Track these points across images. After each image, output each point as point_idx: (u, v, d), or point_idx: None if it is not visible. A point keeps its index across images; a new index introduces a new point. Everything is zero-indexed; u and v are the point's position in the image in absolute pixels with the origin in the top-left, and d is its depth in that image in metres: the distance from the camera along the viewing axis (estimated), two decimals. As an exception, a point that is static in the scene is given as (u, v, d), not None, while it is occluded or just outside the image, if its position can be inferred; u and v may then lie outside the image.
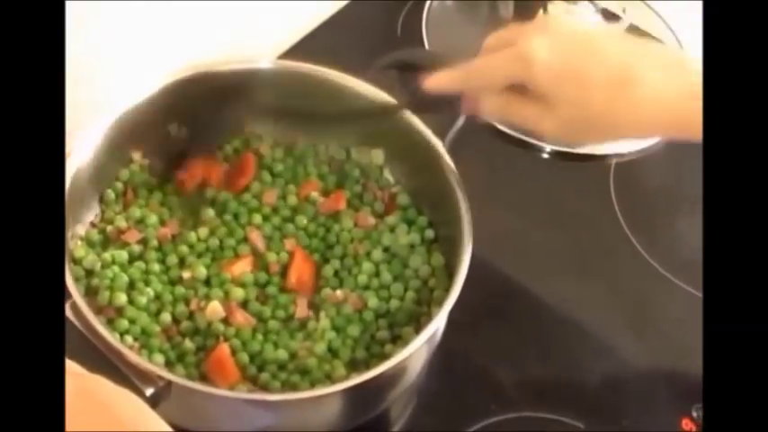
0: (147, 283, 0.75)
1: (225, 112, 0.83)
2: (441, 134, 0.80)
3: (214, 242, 0.79)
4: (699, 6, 0.61)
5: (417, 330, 0.73)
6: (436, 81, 0.74)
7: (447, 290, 0.72)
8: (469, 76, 0.73)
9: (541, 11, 1.09)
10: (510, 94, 0.71)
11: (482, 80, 0.73)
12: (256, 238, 0.79)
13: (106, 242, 0.77)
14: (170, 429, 0.53)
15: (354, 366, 0.74)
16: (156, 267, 0.76)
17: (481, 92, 0.73)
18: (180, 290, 0.76)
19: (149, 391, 0.64)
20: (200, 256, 0.78)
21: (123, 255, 0.76)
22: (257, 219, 0.80)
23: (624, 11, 1.13)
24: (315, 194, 0.82)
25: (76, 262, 0.75)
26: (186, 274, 0.76)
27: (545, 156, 0.99)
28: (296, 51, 1.01)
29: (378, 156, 0.84)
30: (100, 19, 0.83)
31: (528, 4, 1.11)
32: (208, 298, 0.75)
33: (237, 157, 0.84)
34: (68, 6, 0.57)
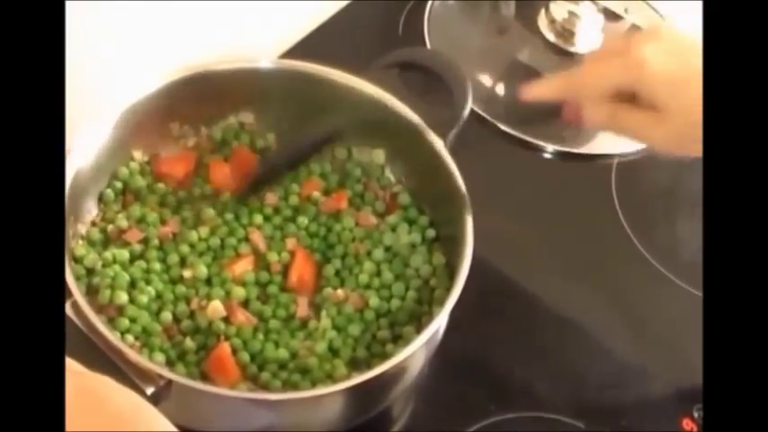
0: (147, 282, 0.75)
1: (316, 127, 0.82)
2: (442, 134, 0.80)
3: (215, 241, 0.79)
4: (701, 6, 0.61)
5: (418, 330, 0.73)
6: (536, 89, 0.72)
7: (448, 289, 0.72)
8: (575, 83, 0.72)
9: (543, 11, 1.09)
10: (616, 102, 0.70)
11: (589, 87, 0.71)
12: (257, 238, 0.79)
13: (107, 241, 0.77)
14: (173, 428, 0.53)
15: (355, 366, 0.74)
16: (157, 266, 0.77)
17: (585, 100, 0.71)
18: (181, 289, 0.76)
19: (150, 390, 0.64)
20: (201, 255, 0.78)
21: (124, 254, 0.76)
22: (258, 219, 0.80)
23: (626, 11, 1.12)
24: (316, 194, 0.82)
25: (77, 261, 0.75)
26: (187, 273, 0.76)
27: (547, 155, 0.99)
28: (297, 50, 1.01)
29: (379, 155, 0.84)
30: (100, 19, 0.83)
31: (530, 2, 1.11)
32: (209, 297, 0.75)
33: (239, 157, 0.84)
34: (68, 6, 0.57)
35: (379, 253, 0.79)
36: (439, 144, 0.80)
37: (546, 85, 0.73)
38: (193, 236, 0.78)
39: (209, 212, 0.80)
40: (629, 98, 0.69)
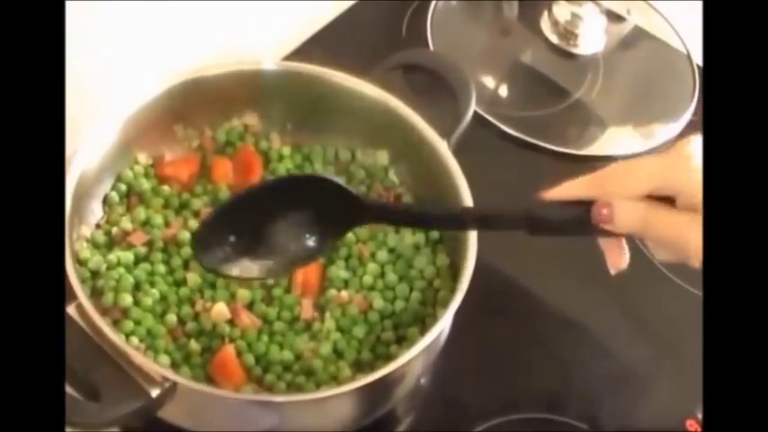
0: (152, 285, 0.75)
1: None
2: (446, 135, 0.80)
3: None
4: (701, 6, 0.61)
5: (422, 331, 0.73)
6: (565, 188, 0.67)
7: (452, 291, 0.72)
8: (608, 181, 0.65)
9: (546, 12, 1.09)
10: (650, 203, 0.64)
11: (623, 186, 0.65)
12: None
13: (111, 243, 0.77)
14: None
15: (360, 367, 0.74)
16: (162, 269, 0.77)
17: (617, 200, 0.65)
18: (185, 291, 0.76)
19: (155, 393, 0.64)
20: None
21: (129, 256, 0.76)
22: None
23: (629, 12, 1.13)
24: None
25: (82, 263, 0.75)
26: (192, 276, 0.76)
27: (550, 157, 0.99)
28: (300, 53, 1.01)
29: (382, 157, 0.85)
30: (100, 20, 0.83)
31: (533, 4, 1.11)
32: (213, 299, 0.75)
33: (243, 156, 0.84)
34: (68, 6, 0.57)
35: (382, 254, 0.79)
36: (442, 145, 0.80)
37: (577, 183, 0.67)
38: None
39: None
40: (664, 200, 0.63)
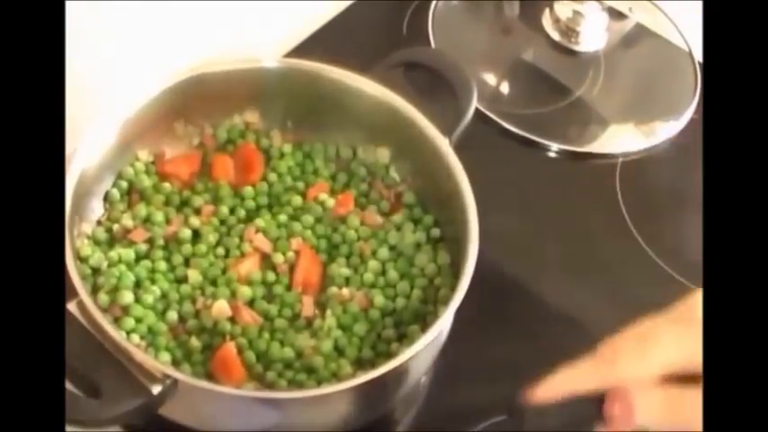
0: (153, 282, 0.75)
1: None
2: (447, 133, 0.80)
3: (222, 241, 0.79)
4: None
5: (423, 329, 0.73)
6: (562, 381, 0.55)
7: (453, 288, 0.72)
8: (614, 369, 0.54)
9: (547, 10, 1.09)
10: (669, 385, 0.53)
11: (633, 373, 0.54)
12: (261, 238, 0.79)
13: (112, 241, 0.77)
14: None
15: (360, 365, 0.74)
16: (163, 266, 0.77)
17: (634, 388, 0.53)
18: (186, 288, 0.76)
19: (156, 390, 0.64)
20: (206, 254, 0.78)
21: (130, 253, 0.76)
22: (261, 222, 0.80)
23: (631, 10, 1.13)
24: (324, 196, 0.82)
25: (83, 260, 0.75)
26: (192, 273, 0.76)
27: (551, 155, 0.99)
28: (301, 50, 1.01)
29: (384, 154, 0.84)
30: (100, 19, 0.83)
31: (534, 2, 1.11)
32: (214, 297, 0.75)
33: (244, 153, 0.84)
34: (68, 6, 0.57)
35: (384, 252, 0.79)
36: (444, 143, 0.80)
37: (571, 377, 0.55)
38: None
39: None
40: (682, 378, 0.53)
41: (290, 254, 0.79)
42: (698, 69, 1.07)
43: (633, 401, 0.53)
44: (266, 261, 0.79)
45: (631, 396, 0.53)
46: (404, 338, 0.75)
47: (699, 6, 0.67)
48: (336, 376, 0.72)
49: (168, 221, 0.79)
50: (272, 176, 0.83)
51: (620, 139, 1.02)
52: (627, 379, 0.53)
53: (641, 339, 0.55)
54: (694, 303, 0.54)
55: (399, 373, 0.73)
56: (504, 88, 1.06)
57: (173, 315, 0.74)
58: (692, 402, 0.52)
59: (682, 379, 0.53)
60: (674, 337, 0.54)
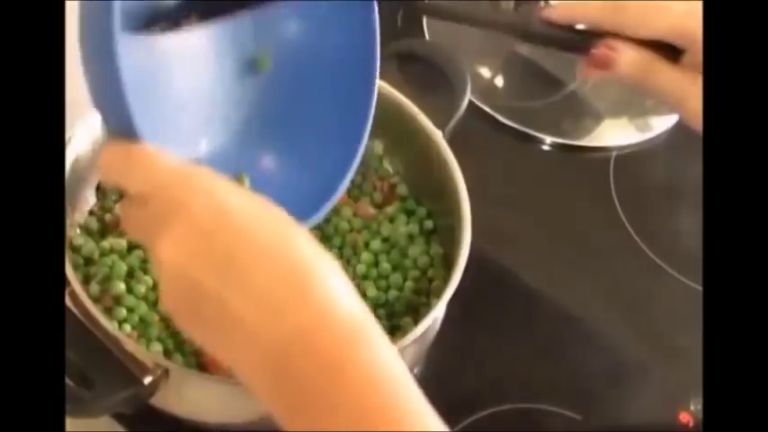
0: (145, 272, 0.75)
1: None
2: (441, 125, 0.80)
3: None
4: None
5: (416, 321, 0.73)
6: (572, 9, 0.65)
7: (446, 280, 0.72)
8: (624, 15, 0.63)
9: (542, 3, 1.09)
10: (655, 52, 0.63)
11: (638, 24, 0.63)
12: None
13: (105, 230, 0.77)
14: None
15: (353, 356, 0.74)
16: (155, 256, 0.76)
17: (624, 40, 0.63)
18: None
19: (147, 380, 0.64)
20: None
21: (122, 243, 0.76)
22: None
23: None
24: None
25: (75, 250, 0.75)
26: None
27: (545, 147, 0.99)
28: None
29: (377, 146, 0.84)
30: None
31: (529, -6, 1.11)
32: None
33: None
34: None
35: (376, 244, 0.79)
36: (437, 135, 0.79)
37: (582, 8, 0.64)
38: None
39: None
40: (669, 52, 0.63)
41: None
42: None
43: (620, 55, 0.63)
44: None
45: (620, 51, 0.63)
46: (396, 330, 0.75)
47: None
48: (328, 367, 0.72)
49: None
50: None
51: (614, 133, 1.02)
52: (625, 28, 0.63)
53: (652, 6, 0.63)
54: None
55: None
56: (499, 81, 1.06)
57: (165, 305, 0.74)
58: (667, 72, 0.62)
59: (663, 48, 0.62)
60: (680, 14, 0.61)
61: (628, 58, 0.64)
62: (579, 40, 0.66)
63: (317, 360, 0.48)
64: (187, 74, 0.68)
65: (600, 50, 0.64)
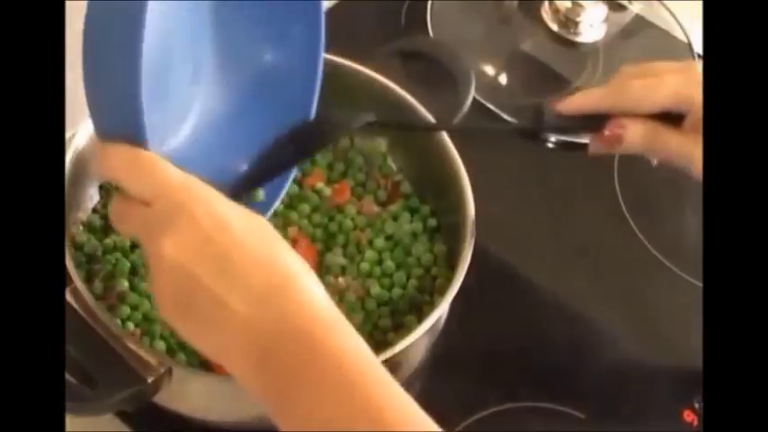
0: (148, 269, 0.75)
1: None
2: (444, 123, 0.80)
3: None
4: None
5: (420, 318, 0.73)
6: (578, 100, 0.71)
7: (449, 278, 0.72)
8: (625, 97, 0.69)
9: (546, 1, 1.09)
10: (659, 122, 0.69)
11: (641, 103, 0.69)
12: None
13: (108, 228, 0.77)
14: None
15: (356, 354, 0.73)
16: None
17: (629, 116, 0.69)
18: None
19: (150, 378, 0.64)
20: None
21: (125, 240, 0.76)
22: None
23: (630, 1, 1.12)
24: (320, 185, 0.82)
25: (78, 247, 0.75)
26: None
27: (549, 145, 0.99)
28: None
29: (381, 143, 0.84)
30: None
31: (533, -8, 1.11)
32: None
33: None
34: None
35: (380, 242, 0.79)
36: (441, 133, 0.79)
37: (591, 95, 0.71)
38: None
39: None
40: (672, 120, 0.68)
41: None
42: (697, 60, 1.06)
43: (628, 131, 0.69)
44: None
45: (625, 125, 0.69)
46: (400, 328, 0.75)
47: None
48: (332, 365, 0.72)
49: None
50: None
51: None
52: (629, 109, 0.69)
53: (650, 83, 0.68)
54: (696, 65, 0.68)
55: (395, 363, 0.72)
56: (503, 79, 1.06)
57: (168, 303, 0.74)
58: (672, 138, 0.68)
59: (666, 117, 0.68)
60: (676, 84, 0.67)
61: (635, 132, 0.69)
62: (590, 124, 0.71)
63: (300, 340, 0.53)
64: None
65: (609, 131, 0.70)
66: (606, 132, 0.70)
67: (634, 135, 0.69)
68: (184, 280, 0.55)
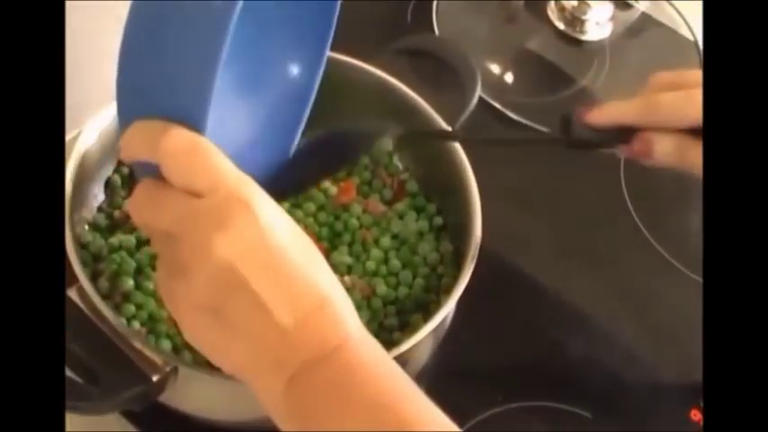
0: (154, 269, 0.75)
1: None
2: (451, 121, 0.80)
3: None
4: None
5: (426, 318, 0.72)
6: (608, 112, 0.70)
7: (456, 277, 0.72)
8: (657, 111, 0.68)
9: (553, 1, 1.09)
10: (690, 136, 0.68)
11: (671, 119, 0.68)
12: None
13: (113, 227, 0.77)
14: None
15: (362, 354, 0.73)
16: (164, 252, 0.76)
17: (658, 130, 0.68)
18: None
19: (156, 377, 0.63)
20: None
21: (131, 239, 0.75)
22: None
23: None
24: (326, 183, 0.82)
25: (83, 246, 0.75)
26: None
27: (554, 143, 0.98)
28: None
29: (387, 142, 0.84)
30: (106, 5, 0.83)
31: (539, -9, 1.11)
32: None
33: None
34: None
35: (386, 240, 0.79)
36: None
37: (618, 109, 0.70)
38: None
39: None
40: (699, 133, 0.67)
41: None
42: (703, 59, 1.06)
43: (657, 146, 0.68)
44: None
45: (656, 142, 0.68)
46: (406, 327, 0.75)
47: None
48: (338, 365, 0.72)
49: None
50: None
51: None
52: (659, 124, 0.68)
53: (681, 98, 0.67)
54: None
55: (401, 362, 0.72)
56: (509, 77, 1.06)
57: (174, 302, 0.74)
58: (696, 150, 0.66)
59: (698, 131, 0.66)
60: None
61: (664, 146, 0.68)
62: (618, 137, 0.71)
63: (337, 364, 0.52)
64: None
65: (638, 146, 0.69)
66: (635, 147, 0.69)
67: (663, 150, 0.68)
68: (230, 281, 0.52)
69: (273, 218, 0.53)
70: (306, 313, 0.52)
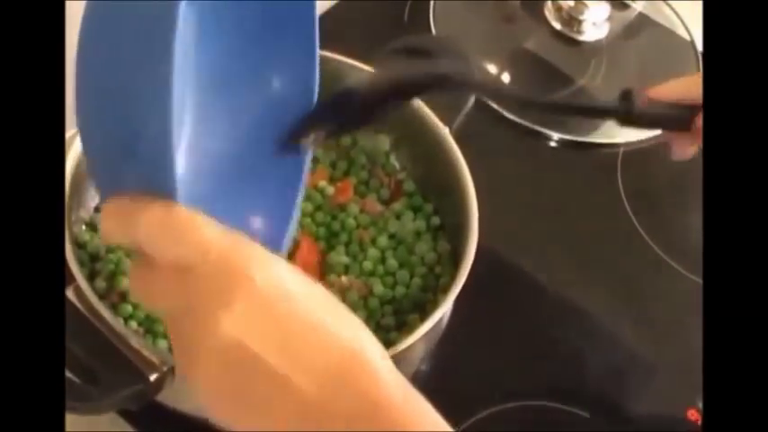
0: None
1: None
2: (447, 120, 0.80)
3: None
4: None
5: (423, 317, 0.72)
6: (671, 86, 0.69)
7: (453, 277, 0.72)
8: None
9: (550, 1, 1.09)
10: None
11: None
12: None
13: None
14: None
15: (359, 353, 0.73)
16: (161, 252, 0.76)
17: None
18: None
19: (153, 377, 0.63)
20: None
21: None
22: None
23: (633, -1, 1.12)
24: (323, 183, 0.82)
25: (81, 246, 0.75)
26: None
27: (552, 143, 0.99)
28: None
29: (384, 141, 0.84)
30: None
31: (536, -10, 1.11)
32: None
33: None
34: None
35: (383, 240, 0.79)
36: (444, 131, 0.79)
37: (680, 83, 0.68)
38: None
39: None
40: None
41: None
42: (700, 59, 1.06)
43: None
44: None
45: None
46: (403, 327, 0.75)
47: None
48: (335, 364, 0.72)
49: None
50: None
51: (622, 129, 1.01)
52: None
53: None
54: None
55: (398, 362, 0.71)
56: (506, 77, 1.06)
57: (171, 302, 0.74)
58: None
59: None
60: None
61: None
62: (680, 116, 0.69)
63: (379, 420, 0.47)
64: None
65: (700, 120, 0.67)
66: (698, 124, 0.67)
67: None
68: (244, 361, 0.47)
69: (274, 280, 0.48)
70: (332, 374, 0.47)
